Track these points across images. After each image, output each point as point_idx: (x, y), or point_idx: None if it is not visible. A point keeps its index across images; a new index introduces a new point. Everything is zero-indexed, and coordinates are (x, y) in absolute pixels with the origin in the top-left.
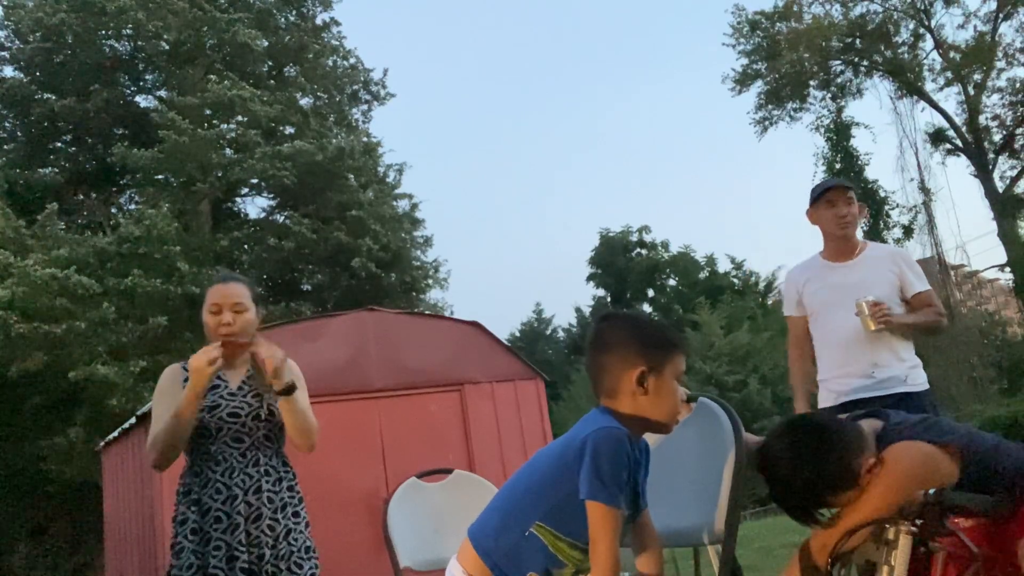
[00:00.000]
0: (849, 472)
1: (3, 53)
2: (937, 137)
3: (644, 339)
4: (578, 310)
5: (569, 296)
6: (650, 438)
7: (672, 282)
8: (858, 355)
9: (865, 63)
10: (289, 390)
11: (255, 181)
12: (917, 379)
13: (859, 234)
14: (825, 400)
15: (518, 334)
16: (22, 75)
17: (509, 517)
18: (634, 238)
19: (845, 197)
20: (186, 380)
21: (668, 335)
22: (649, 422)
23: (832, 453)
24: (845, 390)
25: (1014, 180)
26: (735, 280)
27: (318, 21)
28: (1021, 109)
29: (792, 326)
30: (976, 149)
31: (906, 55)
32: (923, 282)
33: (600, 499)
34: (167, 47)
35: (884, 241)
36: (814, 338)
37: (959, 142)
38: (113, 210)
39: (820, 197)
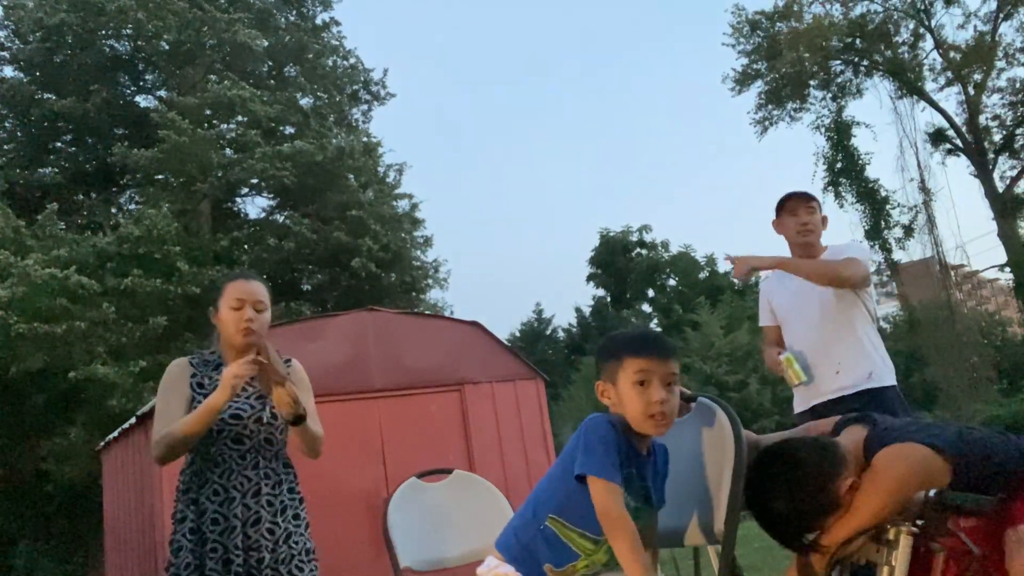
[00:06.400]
0: (826, 499)
1: (3, 53)
2: (937, 137)
3: (600, 358)
4: (578, 310)
5: (569, 296)
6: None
7: (672, 282)
8: (822, 357)
9: (865, 63)
10: (298, 420)
11: (255, 181)
12: (883, 375)
13: (865, 239)
14: (798, 405)
15: (518, 334)
16: (22, 75)
17: (527, 514)
18: (634, 238)
19: (806, 206)
20: (193, 376)
21: (618, 346)
22: (629, 425)
23: (806, 483)
24: (813, 393)
25: (1014, 180)
26: (735, 280)
27: (318, 21)
28: (1021, 109)
29: (767, 334)
30: (976, 149)
31: (906, 55)
32: (850, 251)
33: (592, 471)
34: (167, 47)
35: (885, 241)
36: (785, 344)
37: (959, 142)
38: (113, 210)
39: (783, 207)
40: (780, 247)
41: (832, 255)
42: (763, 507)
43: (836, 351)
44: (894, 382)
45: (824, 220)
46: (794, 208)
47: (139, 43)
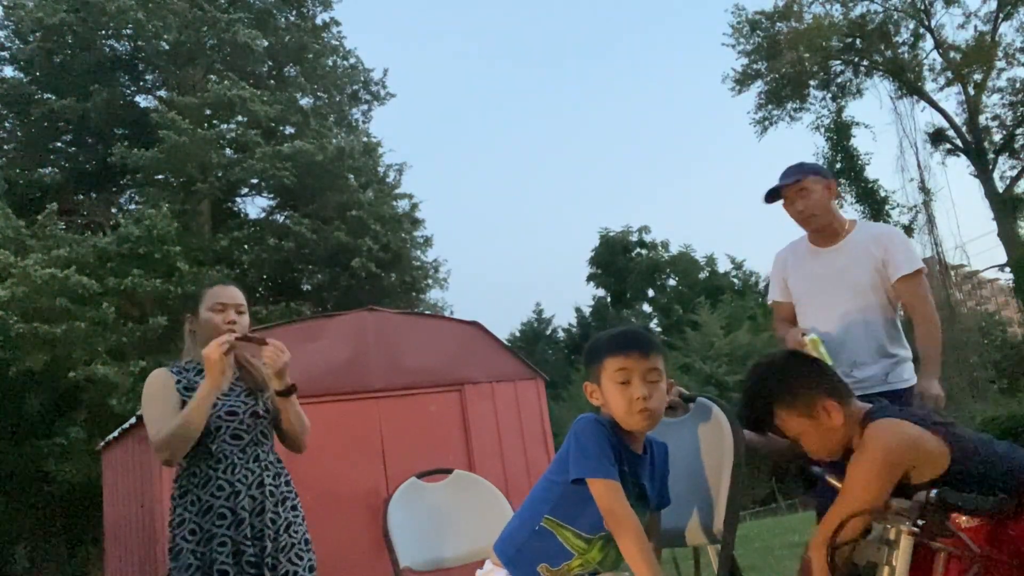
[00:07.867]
0: (804, 395)
1: (3, 53)
2: (937, 137)
3: (585, 360)
4: (578, 310)
5: (569, 296)
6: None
7: (672, 282)
8: (837, 352)
9: (865, 63)
10: (290, 391)
11: (255, 181)
12: (901, 375)
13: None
14: None
15: (518, 334)
16: (22, 75)
17: (523, 516)
18: (634, 238)
19: (796, 189)
20: (177, 381)
21: (599, 347)
22: (619, 424)
23: (795, 372)
24: None
25: (1014, 180)
26: (735, 280)
27: (318, 21)
28: (1021, 109)
29: (779, 311)
30: (976, 149)
31: (906, 55)
32: (912, 262)
33: (589, 473)
34: (167, 47)
35: None
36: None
37: (959, 142)
38: (113, 210)
39: (776, 198)
40: (789, 226)
41: (869, 239)
42: (755, 375)
43: (856, 347)
44: (912, 383)
45: (830, 188)
46: (788, 196)
47: (139, 43)
